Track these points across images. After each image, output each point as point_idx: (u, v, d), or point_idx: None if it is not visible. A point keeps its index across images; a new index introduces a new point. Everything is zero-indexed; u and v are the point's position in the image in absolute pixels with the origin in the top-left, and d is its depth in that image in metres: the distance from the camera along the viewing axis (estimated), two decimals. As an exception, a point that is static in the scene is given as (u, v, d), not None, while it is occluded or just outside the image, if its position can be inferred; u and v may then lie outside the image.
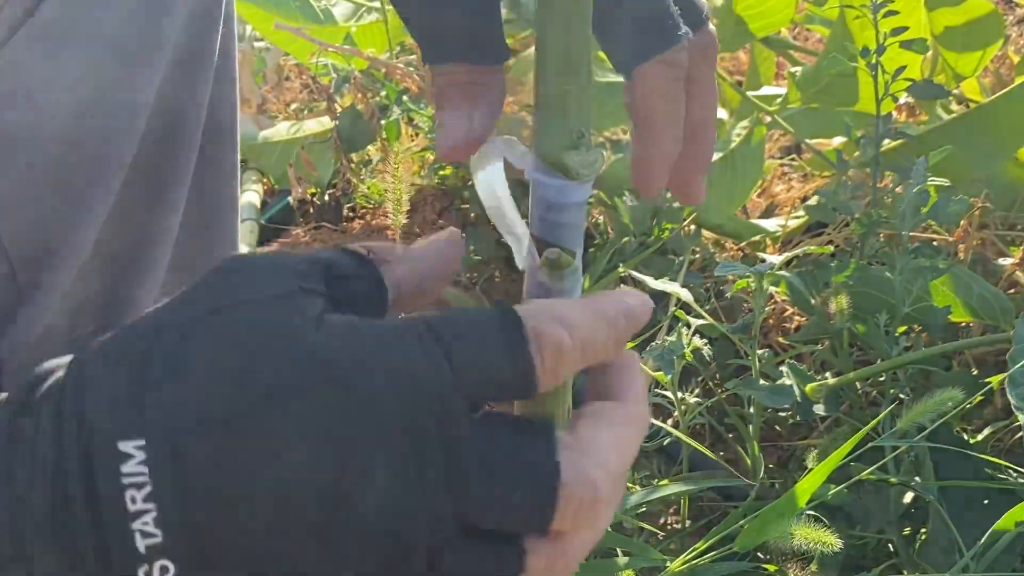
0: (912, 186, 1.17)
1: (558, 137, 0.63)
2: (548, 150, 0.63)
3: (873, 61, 1.27)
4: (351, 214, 1.85)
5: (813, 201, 1.66)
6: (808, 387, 1.16)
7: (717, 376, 1.50)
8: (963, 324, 1.31)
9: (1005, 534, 0.97)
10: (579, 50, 0.62)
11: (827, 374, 1.23)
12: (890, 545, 1.12)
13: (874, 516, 1.09)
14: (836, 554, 1.07)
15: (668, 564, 0.97)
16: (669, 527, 1.21)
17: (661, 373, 1.12)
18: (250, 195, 1.82)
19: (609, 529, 1.07)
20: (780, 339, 1.49)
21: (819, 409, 1.14)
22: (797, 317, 1.57)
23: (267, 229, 1.81)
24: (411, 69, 1.61)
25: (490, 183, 0.71)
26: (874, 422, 0.98)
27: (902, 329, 1.22)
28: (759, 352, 1.50)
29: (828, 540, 0.91)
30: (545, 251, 0.66)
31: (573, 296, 0.69)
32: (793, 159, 2.02)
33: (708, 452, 1.13)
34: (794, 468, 1.26)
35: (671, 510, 1.26)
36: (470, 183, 1.71)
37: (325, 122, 1.86)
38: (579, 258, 0.67)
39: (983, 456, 1.04)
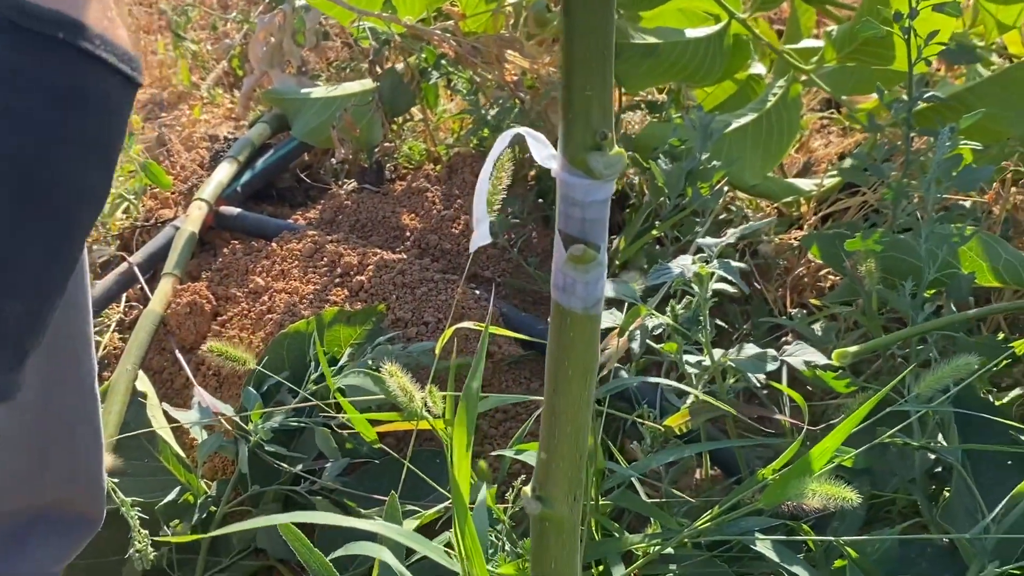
0: (940, 153, 1.18)
1: (582, 139, 0.66)
2: (573, 152, 0.67)
3: (906, 25, 1.28)
4: (392, 175, 1.89)
5: (848, 162, 1.67)
6: (835, 353, 1.19)
7: (751, 335, 1.53)
8: (997, 288, 1.32)
9: (1024, 497, 1.00)
10: (603, 54, 0.65)
11: (855, 337, 1.26)
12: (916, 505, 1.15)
13: (896, 476, 1.12)
14: (857, 511, 1.11)
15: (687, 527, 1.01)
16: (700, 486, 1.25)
17: (673, 344, 1.16)
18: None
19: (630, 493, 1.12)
20: (814, 300, 1.51)
21: (839, 380, 1.17)
22: (832, 276, 1.59)
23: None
24: (447, 35, 1.63)
25: (484, 166, 0.75)
26: (890, 386, 1.00)
27: (930, 292, 1.24)
28: (793, 311, 1.53)
29: (846, 495, 0.94)
30: (571, 247, 0.70)
31: (598, 286, 0.73)
32: (833, 113, 2.02)
33: (732, 411, 1.17)
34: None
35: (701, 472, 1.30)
36: (508, 144, 1.74)
37: (366, 83, 1.89)
38: (603, 251, 0.71)
39: (1005, 421, 1.06)
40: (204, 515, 1.34)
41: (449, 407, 1.13)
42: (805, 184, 1.67)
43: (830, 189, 1.67)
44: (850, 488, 0.96)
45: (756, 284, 1.59)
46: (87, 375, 0.96)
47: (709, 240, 1.16)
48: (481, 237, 0.75)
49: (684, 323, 1.17)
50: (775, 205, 1.67)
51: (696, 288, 1.13)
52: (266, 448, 1.28)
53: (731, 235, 1.16)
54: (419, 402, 1.07)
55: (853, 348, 1.20)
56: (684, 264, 1.11)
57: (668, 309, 1.19)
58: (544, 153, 0.71)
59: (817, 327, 1.39)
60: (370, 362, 1.34)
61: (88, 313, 0.93)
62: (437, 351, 1.08)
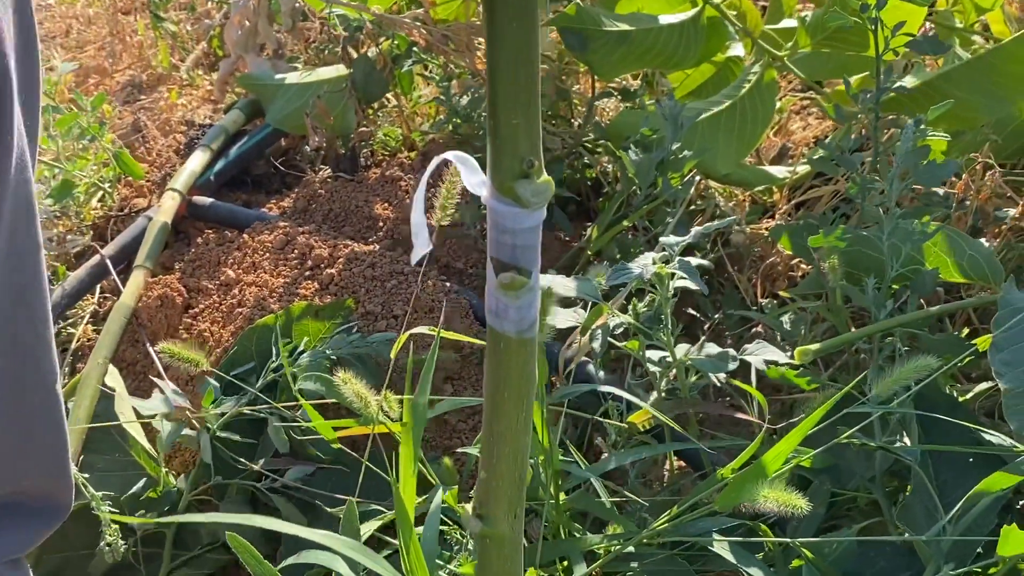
0: (905, 146, 1.17)
1: (510, 167, 0.66)
2: (501, 180, 0.66)
3: (872, 16, 1.27)
4: (368, 161, 1.88)
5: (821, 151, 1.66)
6: (797, 351, 1.19)
7: (722, 324, 1.53)
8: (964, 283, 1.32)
9: (984, 496, 1.00)
10: (529, 84, 0.64)
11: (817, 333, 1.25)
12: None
13: (856, 475, 1.12)
14: (816, 509, 1.12)
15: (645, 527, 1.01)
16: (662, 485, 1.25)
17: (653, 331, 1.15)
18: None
19: (588, 495, 1.12)
20: (784, 292, 1.51)
21: (802, 377, 1.17)
22: (804, 265, 1.58)
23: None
24: (418, 23, 1.62)
25: (420, 184, 0.75)
26: (849, 386, 1.00)
27: (896, 286, 1.24)
28: (764, 302, 1.53)
29: (797, 503, 0.94)
30: (499, 275, 0.70)
31: (531, 310, 0.73)
32: (811, 96, 2.01)
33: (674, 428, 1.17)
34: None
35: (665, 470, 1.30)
36: (482, 132, 1.73)
37: (340, 69, 1.88)
38: (535, 276, 0.71)
39: (965, 423, 1.06)
40: (168, 507, 1.34)
41: (407, 410, 1.14)
42: (779, 172, 1.66)
43: (803, 176, 1.66)
44: (806, 492, 0.96)
45: (729, 272, 1.59)
46: (48, 374, 0.97)
47: (672, 239, 1.16)
48: (421, 246, 0.75)
49: (646, 321, 1.17)
50: (748, 195, 1.67)
51: (657, 287, 1.13)
52: (226, 440, 1.29)
53: (694, 234, 1.16)
54: (374, 407, 1.07)
55: (814, 346, 1.19)
56: (643, 264, 1.11)
57: (630, 308, 1.19)
58: (474, 180, 0.70)
59: (786, 319, 1.39)
60: (328, 352, 1.34)
61: (46, 315, 0.93)
62: (393, 353, 1.08)
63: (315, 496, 1.28)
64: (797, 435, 0.99)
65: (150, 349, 1.54)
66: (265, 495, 1.31)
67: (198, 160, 1.79)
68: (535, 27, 0.64)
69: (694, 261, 1.15)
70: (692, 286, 1.16)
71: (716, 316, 1.53)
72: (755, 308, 1.54)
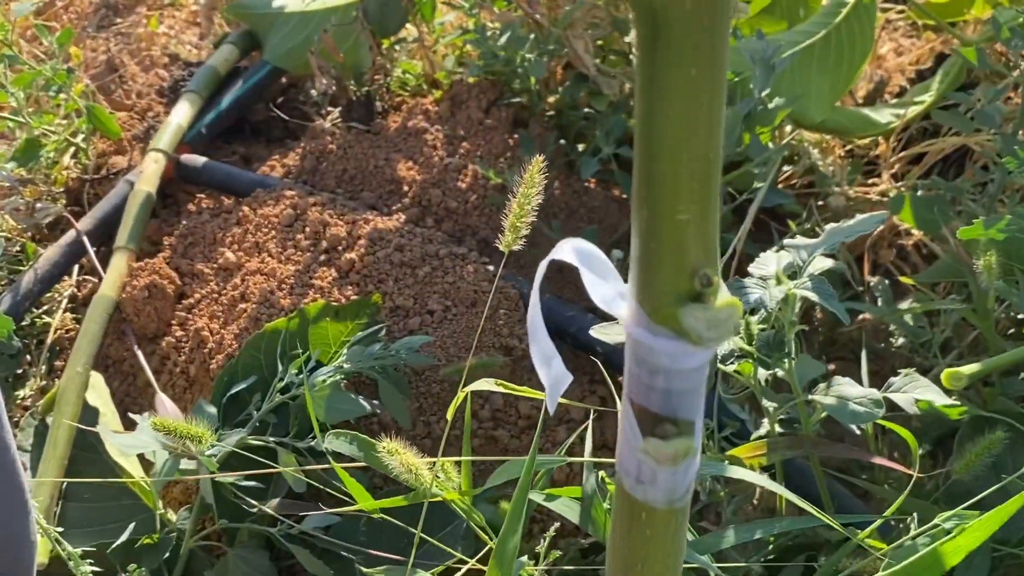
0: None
1: (671, 285, 0.40)
2: (656, 302, 0.41)
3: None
4: (385, 105, 1.60)
5: (936, 84, 1.39)
6: (945, 374, 0.94)
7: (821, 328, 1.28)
8: None
9: None
10: (705, 160, 0.38)
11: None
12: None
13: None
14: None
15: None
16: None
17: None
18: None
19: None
20: (904, 278, 1.24)
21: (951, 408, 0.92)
22: (913, 232, 1.32)
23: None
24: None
25: (532, 297, 0.50)
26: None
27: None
28: (872, 280, 1.28)
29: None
30: (647, 434, 0.45)
31: (689, 473, 0.48)
32: (901, 11, 1.71)
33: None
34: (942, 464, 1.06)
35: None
36: (520, 69, 1.45)
37: (349, -6, 1.58)
38: (698, 429, 0.46)
39: None
40: (167, 554, 1.12)
41: (466, 476, 0.90)
42: (882, 115, 1.39)
43: (912, 119, 1.38)
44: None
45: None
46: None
47: (800, 242, 0.90)
48: (556, 382, 0.51)
49: (762, 346, 0.92)
50: (846, 148, 1.39)
51: (778, 308, 0.88)
52: (230, 480, 1.06)
53: (828, 240, 0.89)
54: (428, 478, 0.83)
55: (969, 369, 0.95)
56: (765, 287, 0.85)
57: (742, 328, 0.94)
58: (607, 292, 0.45)
59: (907, 315, 1.14)
60: (345, 367, 1.10)
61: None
62: (450, 414, 0.84)
63: (342, 548, 1.06)
64: (984, 527, 0.76)
65: (138, 352, 1.29)
66: (282, 543, 1.08)
67: (184, 112, 1.51)
68: (722, 69, 0.38)
69: (826, 264, 0.89)
70: (815, 297, 0.90)
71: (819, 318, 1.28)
72: (860, 289, 1.29)
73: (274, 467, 1.05)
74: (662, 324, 0.41)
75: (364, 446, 0.87)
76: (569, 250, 0.45)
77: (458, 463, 0.87)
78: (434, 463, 0.84)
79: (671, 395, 0.43)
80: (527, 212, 0.76)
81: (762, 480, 0.77)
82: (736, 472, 0.78)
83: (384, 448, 0.80)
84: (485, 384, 0.81)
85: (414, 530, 0.89)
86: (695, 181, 0.38)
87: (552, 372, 0.49)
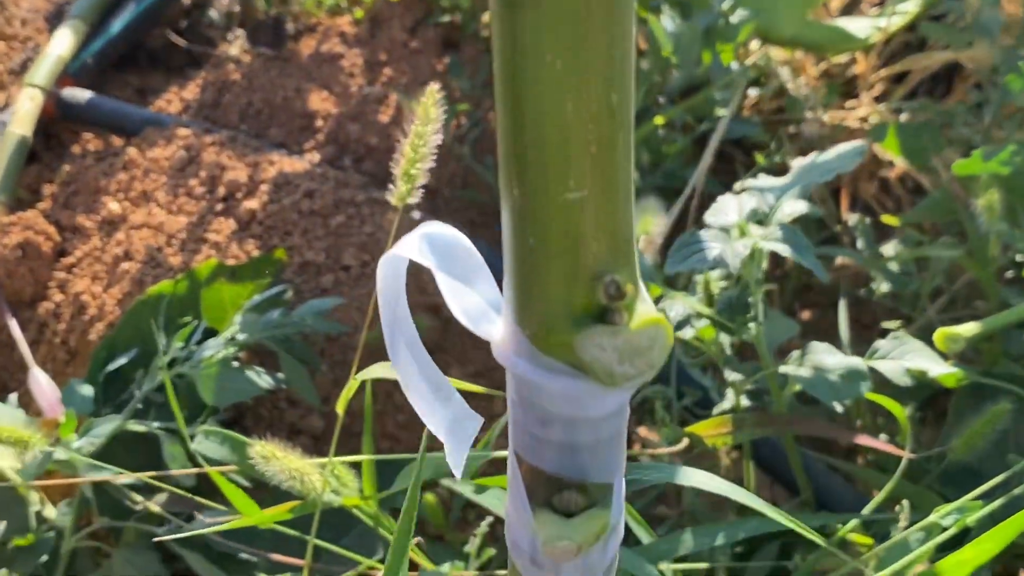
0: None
1: (560, 296, 0.24)
2: (540, 325, 0.25)
3: None
4: (297, 28, 1.41)
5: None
6: (938, 334, 0.79)
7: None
8: None
9: None
10: (613, 100, 0.22)
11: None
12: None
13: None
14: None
15: None
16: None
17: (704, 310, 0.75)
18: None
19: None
20: (873, 195, 1.10)
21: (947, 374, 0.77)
22: (898, 163, 1.17)
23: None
24: None
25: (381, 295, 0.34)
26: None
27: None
28: (849, 218, 1.13)
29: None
30: (540, 510, 0.29)
31: (608, 553, 0.32)
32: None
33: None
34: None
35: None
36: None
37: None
38: (618, 495, 0.30)
39: None
40: (46, 556, 0.97)
41: (368, 477, 0.74)
42: (859, 27, 1.22)
43: (894, 33, 1.22)
44: None
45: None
46: None
47: (765, 183, 0.74)
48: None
49: (724, 308, 0.76)
50: (819, 62, 1.23)
51: (742, 265, 0.72)
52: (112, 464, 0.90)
53: (799, 176, 0.73)
54: (318, 484, 0.68)
55: (967, 329, 0.80)
56: (724, 241, 0.69)
57: (700, 286, 0.78)
58: (472, 304, 0.28)
59: (891, 261, 0.99)
60: (239, 338, 0.94)
61: None
62: (341, 406, 0.67)
63: (240, 551, 0.90)
64: (999, 537, 0.61)
65: (11, 322, 1.12)
66: (171, 544, 0.92)
67: (65, 41, 1.31)
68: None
69: (798, 208, 0.73)
70: (785, 251, 0.74)
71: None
72: (837, 228, 1.13)
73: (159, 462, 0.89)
74: (552, 355, 0.25)
75: (237, 448, 0.71)
76: (418, 243, 0.29)
77: (356, 466, 0.71)
78: (324, 465, 0.68)
79: (575, 451, 0.28)
80: (423, 156, 0.59)
81: (726, 488, 0.61)
82: (694, 480, 0.62)
83: (258, 453, 0.64)
84: (380, 370, 0.65)
85: (319, 541, 0.74)
86: (591, 140, 0.21)
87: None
